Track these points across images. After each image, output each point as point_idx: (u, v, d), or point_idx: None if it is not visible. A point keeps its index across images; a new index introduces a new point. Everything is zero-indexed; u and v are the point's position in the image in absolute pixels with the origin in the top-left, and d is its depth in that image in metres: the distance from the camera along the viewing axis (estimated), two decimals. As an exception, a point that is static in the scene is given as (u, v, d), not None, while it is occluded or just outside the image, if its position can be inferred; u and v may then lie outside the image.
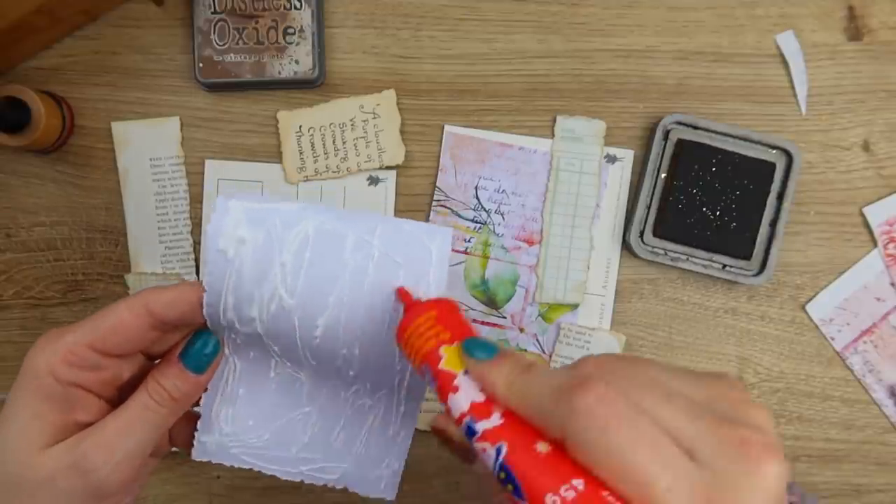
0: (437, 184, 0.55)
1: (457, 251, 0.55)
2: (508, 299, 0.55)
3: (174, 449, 0.40)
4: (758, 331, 0.56)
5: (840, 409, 0.56)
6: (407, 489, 0.55)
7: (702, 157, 0.53)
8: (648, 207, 0.54)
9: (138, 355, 0.36)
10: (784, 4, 0.55)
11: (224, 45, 0.53)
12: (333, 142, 0.54)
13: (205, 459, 0.38)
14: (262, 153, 0.55)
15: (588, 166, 0.55)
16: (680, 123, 0.54)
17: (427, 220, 0.55)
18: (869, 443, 0.56)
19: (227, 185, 0.55)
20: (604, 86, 0.55)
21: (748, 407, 0.26)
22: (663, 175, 0.54)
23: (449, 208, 0.55)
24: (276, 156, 0.55)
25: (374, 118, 0.54)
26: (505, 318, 0.55)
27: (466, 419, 0.27)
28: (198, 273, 0.55)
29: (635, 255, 0.54)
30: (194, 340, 0.35)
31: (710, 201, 0.53)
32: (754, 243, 0.54)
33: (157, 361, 0.36)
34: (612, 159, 0.55)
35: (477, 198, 0.55)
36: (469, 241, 0.55)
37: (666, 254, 0.54)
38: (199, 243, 0.55)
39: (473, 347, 0.29)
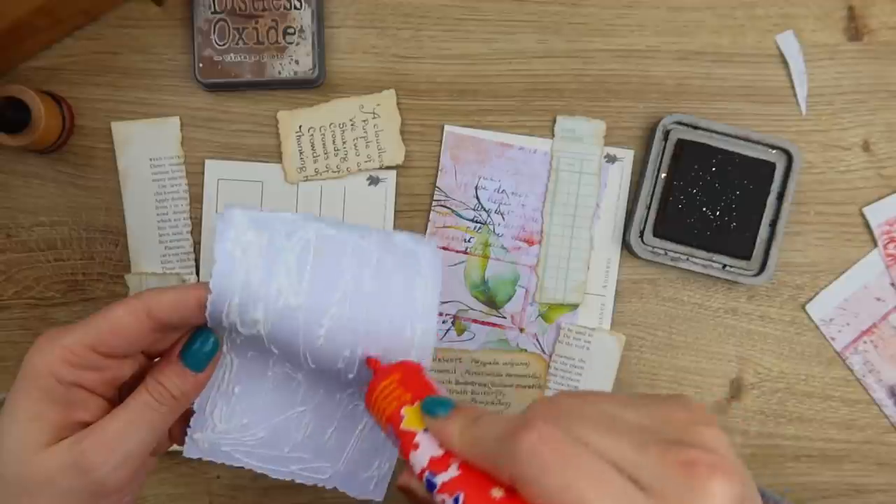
0: (437, 184, 0.55)
1: (457, 251, 0.55)
2: (508, 299, 0.55)
3: (174, 447, 0.40)
4: (758, 331, 0.56)
5: (840, 409, 0.56)
6: (402, 495, 0.55)
7: (702, 157, 0.53)
8: (648, 207, 0.54)
9: (138, 354, 0.36)
10: (784, 4, 0.55)
11: (224, 45, 0.53)
12: (333, 142, 0.54)
13: (196, 457, 0.39)
14: (262, 153, 0.55)
15: (588, 166, 0.55)
16: (680, 123, 0.54)
17: (427, 220, 0.55)
18: (869, 443, 0.56)
19: (227, 185, 0.55)
20: (604, 86, 0.55)
21: (697, 428, 0.26)
22: (663, 175, 0.54)
23: (449, 208, 0.55)
24: (276, 156, 0.55)
25: (374, 118, 0.54)
26: (505, 318, 0.55)
27: (426, 474, 0.29)
28: (198, 273, 0.55)
29: (635, 255, 0.54)
30: (194, 339, 0.36)
31: (710, 201, 0.53)
32: (754, 243, 0.54)
33: (156, 360, 0.37)
34: (612, 159, 0.55)
35: (477, 198, 0.55)
36: (469, 241, 0.55)
37: (666, 254, 0.54)
38: (199, 243, 0.55)
39: (432, 406, 0.30)
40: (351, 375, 0.37)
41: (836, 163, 0.56)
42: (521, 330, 0.55)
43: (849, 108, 0.55)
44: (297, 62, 0.53)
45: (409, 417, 0.31)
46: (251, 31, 0.53)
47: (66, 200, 0.55)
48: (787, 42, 0.55)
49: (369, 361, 0.35)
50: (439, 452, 0.29)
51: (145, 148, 0.54)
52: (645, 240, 0.54)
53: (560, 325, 0.55)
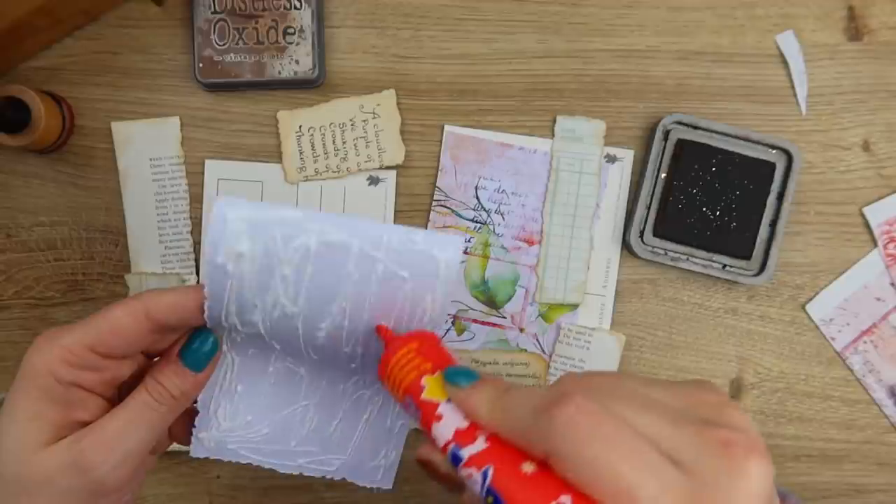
0: (437, 184, 0.55)
1: (457, 251, 0.55)
2: (508, 299, 0.55)
3: (173, 447, 0.40)
4: (758, 331, 0.56)
5: (840, 409, 0.56)
6: (407, 490, 0.55)
7: (702, 157, 0.53)
8: (648, 207, 0.54)
9: (138, 354, 0.36)
10: (784, 4, 0.55)
11: (224, 45, 0.53)
12: (333, 142, 0.54)
13: (203, 456, 0.38)
14: (262, 153, 0.55)
15: (588, 166, 0.55)
16: (680, 123, 0.54)
17: (427, 220, 0.55)
18: (869, 443, 0.56)
19: (227, 185, 0.55)
20: (604, 86, 0.55)
21: (727, 409, 0.26)
22: (663, 175, 0.54)
23: (449, 208, 0.55)
24: (276, 156, 0.55)
25: (374, 118, 0.54)
26: (505, 318, 0.55)
27: (451, 446, 0.27)
28: (197, 273, 0.55)
29: (635, 255, 0.54)
30: (193, 339, 0.35)
31: (710, 201, 0.53)
32: (754, 243, 0.54)
33: (156, 359, 0.37)
34: (612, 159, 0.55)
35: (477, 198, 0.55)
36: (469, 241, 0.55)
37: (666, 254, 0.54)
38: (199, 243, 0.55)
39: (455, 375, 0.29)
40: (354, 365, 0.37)
41: (836, 163, 0.56)
42: (521, 330, 0.55)
43: (849, 108, 0.55)
44: (297, 62, 0.53)
45: (431, 387, 0.29)
46: (251, 31, 0.53)
47: (66, 200, 0.55)
48: (787, 42, 0.55)
49: (379, 329, 0.34)
50: (464, 424, 0.28)
51: (145, 148, 0.54)
52: (645, 240, 0.54)
53: (560, 325, 0.55)
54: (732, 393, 0.56)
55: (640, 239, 0.54)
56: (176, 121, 0.54)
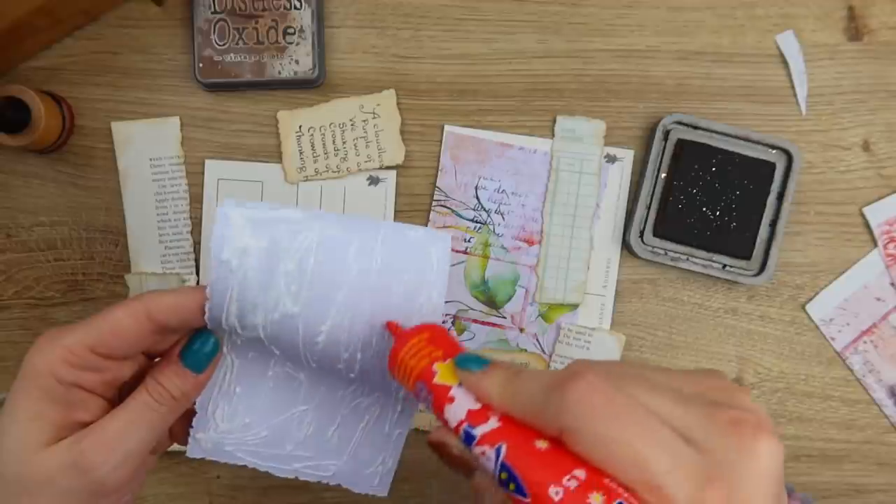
0: (437, 184, 0.55)
1: (457, 251, 0.55)
2: (508, 299, 0.55)
3: (173, 447, 0.40)
4: (758, 331, 0.56)
5: (840, 409, 0.56)
6: (406, 489, 0.55)
7: (702, 157, 0.53)
8: (648, 207, 0.54)
9: (139, 355, 0.36)
10: (784, 4, 0.55)
11: (224, 45, 0.53)
12: (333, 142, 0.54)
13: (200, 457, 0.39)
14: (262, 153, 0.55)
15: (588, 166, 0.55)
16: (680, 123, 0.54)
17: (427, 220, 0.55)
18: (869, 443, 0.56)
19: (227, 185, 0.55)
20: (604, 86, 0.55)
21: (737, 393, 0.27)
22: (663, 175, 0.54)
23: (449, 208, 0.55)
24: (276, 156, 0.55)
25: (374, 118, 0.54)
26: (505, 318, 0.55)
27: (464, 426, 0.28)
28: (198, 273, 0.55)
29: (635, 255, 0.54)
30: (194, 340, 0.35)
31: (710, 201, 0.53)
32: (754, 243, 0.54)
33: (156, 360, 0.37)
34: (612, 159, 0.55)
35: (477, 198, 0.55)
36: (469, 241, 0.55)
37: (666, 254, 0.54)
38: (199, 243, 0.55)
39: (466, 361, 0.30)
40: (352, 375, 0.37)
41: (836, 163, 0.56)
42: (521, 330, 0.55)
43: (849, 108, 0.55)
44: (297, 62, 0.53)
45: (442, 372, 0.30)
46: (251, 31, 0.53)
47: (66, 200, 0.55)
48: (787, 42, 0.55)
49: (389, 325, 0.34)
50: (477, 406, 0.28)
51: (145, 148, 0.54)
52: (645, 240, 0.54)
53: (560, 325, 0.55)
54: (732, 393, 0.56)
55: (640, 239, 0.54)
56: (176, 121, 0.54)
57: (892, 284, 0.55)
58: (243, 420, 0.39)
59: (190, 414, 0.38)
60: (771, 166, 0.54)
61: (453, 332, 0.55)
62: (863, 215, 0.55)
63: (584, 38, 0.55)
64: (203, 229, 0.55)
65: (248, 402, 0.39)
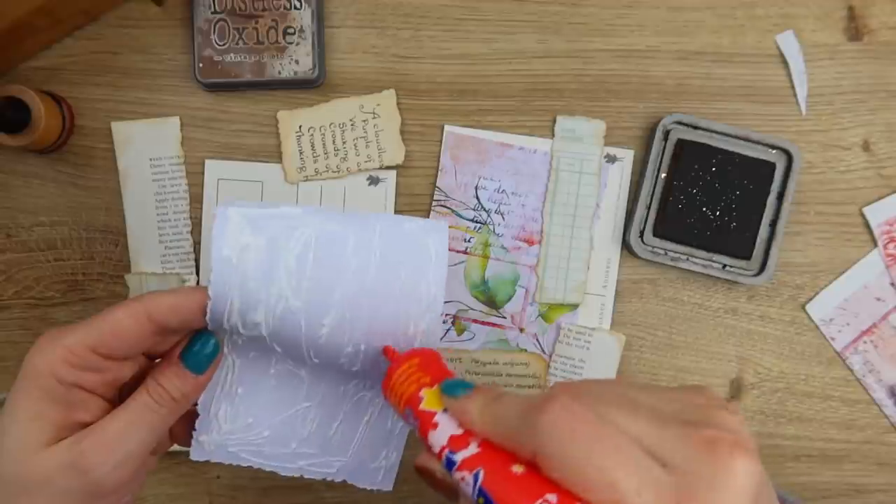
0: (437, 184, 0.55)
1: (457, 251, 0.55)
2: (508, 299, 0.55)
3: (173, 447, 0.40)
4: (758, 331, 0.56)
5: (840, 409, 0.56)
6: (406, 490, 0.55)
7: (702, 157, 0.53)
8: (648, 207, 0.54)
9: (139, 355, 0.36)
10: (784, 4, 0.55)
11: (224, 45, 0.53)
12: (333, 142, 0.54)
13: (204, 459, 0.38)
14: (262, 153, 0.55)
15: (588, 166, 0.55)
16: (680, 123, 0.54)
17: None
18: (869, 443, 0.56)
19: (227, 185, 0.55)
20: (604, 86, 0.55)
21: (716, 410, 0.26)
22: (663, 175, 0.54)
23: (449, 208, 0.55)
24: (276, 156, 0.55)
25: (374, 118, 0.54)
26: (505, 318, 0.55)
27: (446, 452, 0.29)
28: (198, 273, 0.55)
29: (635, 255, 0.54)
30: (194, 341, 0.36)
31: (710, 201, 0.53)
32: (754, 243, 0.54)
33: (157, 360, 0.37)
34: (612, 159, 0.55)
35: (477, 198, 0.55)
36: (469, 241, 0.55)
37: (666, 254, 0.54)
38: (199, 243, 0.55)
39: (451, 387, 0.30)
40: (355, 369, 0.37)
41: (836, 163, 0.56)
42: (521, 330, 0.55)
43: (849, 108, 0.55)
44: (297, 62, 0.53)
45: (429, 398, 0.31)
46: (251, 31, 0.53)
47: (66, 200, 0.55)
48: (787, 42, 0.55)
49: (386, 350, 0.35)
50: (459, 431, 0.29)
51: (145, 148, 0.54)
52: (645, 240, 0.54)
53: (560, 325, 0.55)
54: (732, 393, 0.56)
55: (640, 239, 0.54)
56: (176, 121, 0.54)
57: (892, 284, 0.55)
58: (246, 420, 0.39)
59: (190, 415, 0.38)
60: (771, 166, 0.54)
61: (451, 334, 0.55)
62: (863, 215, 0.55)
63: (584, 38, 0.55)
64: (203, 229, 0.55)
65: (250, 402, 0.39)
